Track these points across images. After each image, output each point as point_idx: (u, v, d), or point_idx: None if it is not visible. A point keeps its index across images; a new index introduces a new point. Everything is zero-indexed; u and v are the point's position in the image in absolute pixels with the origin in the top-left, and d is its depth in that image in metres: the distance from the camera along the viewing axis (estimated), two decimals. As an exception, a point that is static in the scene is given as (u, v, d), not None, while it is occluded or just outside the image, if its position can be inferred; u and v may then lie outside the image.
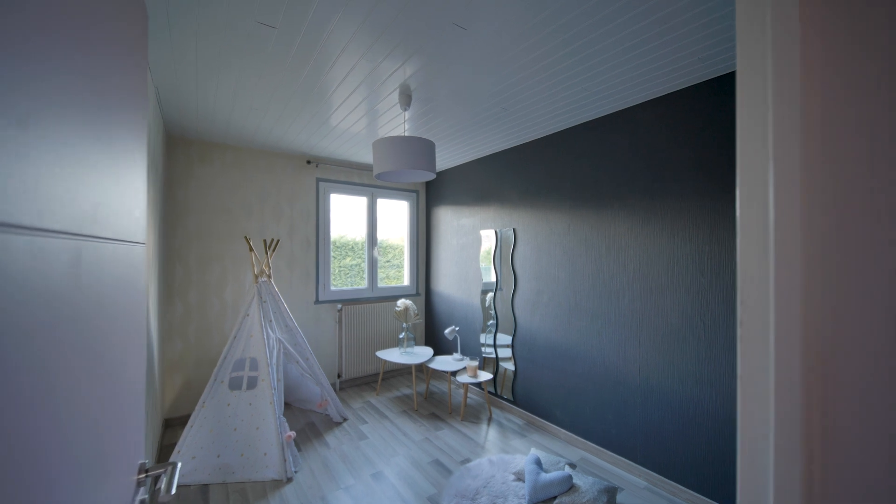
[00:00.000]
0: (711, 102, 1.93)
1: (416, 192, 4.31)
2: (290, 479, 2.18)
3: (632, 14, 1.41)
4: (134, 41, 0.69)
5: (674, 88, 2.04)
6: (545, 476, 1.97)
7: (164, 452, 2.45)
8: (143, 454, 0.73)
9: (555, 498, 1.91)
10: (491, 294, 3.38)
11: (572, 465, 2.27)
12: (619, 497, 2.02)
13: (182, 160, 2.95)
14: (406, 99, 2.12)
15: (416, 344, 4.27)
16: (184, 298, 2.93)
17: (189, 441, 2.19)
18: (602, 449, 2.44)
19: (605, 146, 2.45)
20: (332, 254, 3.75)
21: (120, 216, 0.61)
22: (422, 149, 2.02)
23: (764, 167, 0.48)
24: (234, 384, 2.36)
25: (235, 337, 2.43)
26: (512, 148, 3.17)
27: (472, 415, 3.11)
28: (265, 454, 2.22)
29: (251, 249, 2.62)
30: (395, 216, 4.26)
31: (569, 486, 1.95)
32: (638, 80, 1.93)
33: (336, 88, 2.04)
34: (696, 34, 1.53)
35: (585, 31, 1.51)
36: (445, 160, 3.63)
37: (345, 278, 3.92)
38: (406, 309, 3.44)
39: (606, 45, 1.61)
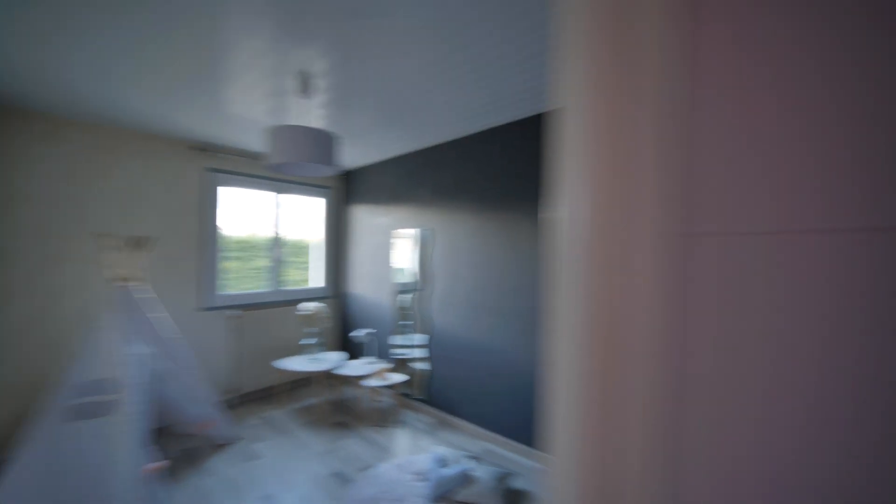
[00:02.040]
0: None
1: (330, 188, 4.08)
2: (153, 517, 1.85)
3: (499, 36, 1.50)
4: None
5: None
6: (444, 472, 1.98)
7: (-30, 508, 1.89)
8: None
9: (455, 492, 1.93)
10: (407, 295, 3.34)
11: (475, 458, 2.33)
12: (513, 482, 2.12)
13: (17, 137, 2.35)
14: (305, 85, 1.98)
15: (330, 349, 4.02)
16: (16, 309, 2.33)
17: (5, 496, 1.72)
18: (505, 438, 2.56)
19: (503, 154, 2.60)
20: (222, 254, 3.34)
21: None
22: (319, 140, 1.89)
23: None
24: (78, 413, 1.93)
25: (80, 355, 1.99)
26: (425, 149, 3.19)
27: (382, 419, 3.02)
28: (118, 497, 1.85)
29: (103, 249, 2.20)
30: (308, 214, 3.98)
31: (467, 479, 1.99)
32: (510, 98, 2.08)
33: (226, 59, 1.81)
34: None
35: (470, 41, 1.57)
36: (360, 157, 3.51)
37: (256, 282, 3.54)
38: (313, 313, 3.22)
39: (496, 56, 1.70)
